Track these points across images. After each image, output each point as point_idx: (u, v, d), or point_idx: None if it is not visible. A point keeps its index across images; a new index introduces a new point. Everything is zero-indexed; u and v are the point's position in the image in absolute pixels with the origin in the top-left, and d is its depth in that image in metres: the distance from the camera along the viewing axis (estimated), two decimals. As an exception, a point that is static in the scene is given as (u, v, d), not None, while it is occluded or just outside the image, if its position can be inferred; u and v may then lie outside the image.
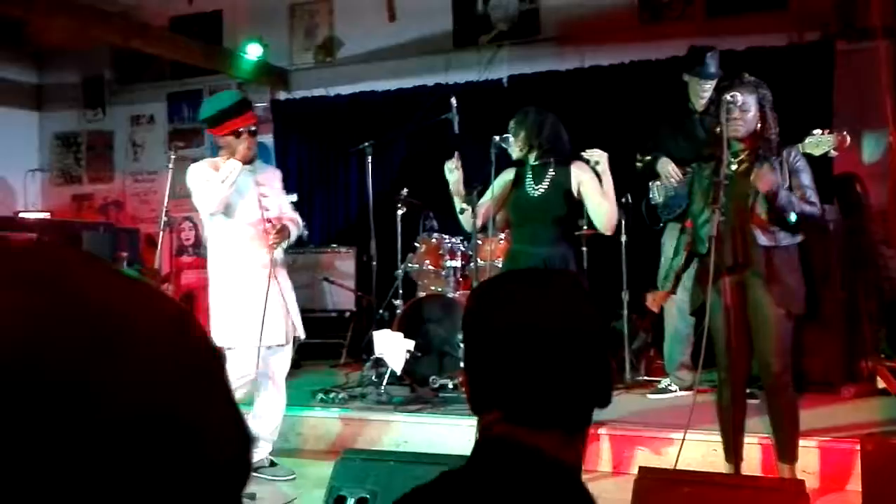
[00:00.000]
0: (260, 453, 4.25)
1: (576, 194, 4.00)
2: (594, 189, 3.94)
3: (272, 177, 4.46)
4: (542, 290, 1.19)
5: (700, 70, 4.99)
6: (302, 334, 4.40)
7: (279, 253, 4.27)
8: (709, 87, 4.98)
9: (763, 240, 3.45)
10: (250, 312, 4.10)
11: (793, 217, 3.40)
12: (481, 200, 4.06)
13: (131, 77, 8.46)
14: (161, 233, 4.33)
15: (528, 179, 4.09)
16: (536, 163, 4.07)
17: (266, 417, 4.31)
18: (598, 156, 3.92)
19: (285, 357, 4.34)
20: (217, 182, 4.04)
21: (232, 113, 4.19)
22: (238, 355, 4.08)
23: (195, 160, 7.47)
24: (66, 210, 8.76)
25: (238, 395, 4.16)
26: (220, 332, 4.10)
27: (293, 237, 4.37)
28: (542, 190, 4.03)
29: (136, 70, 8.36)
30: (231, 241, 4.19)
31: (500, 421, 1.15)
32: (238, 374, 4.06)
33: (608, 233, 4.04)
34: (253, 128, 4.24)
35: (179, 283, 7.26)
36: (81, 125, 8.87)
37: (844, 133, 3.71)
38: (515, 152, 4.09)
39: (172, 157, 4.47)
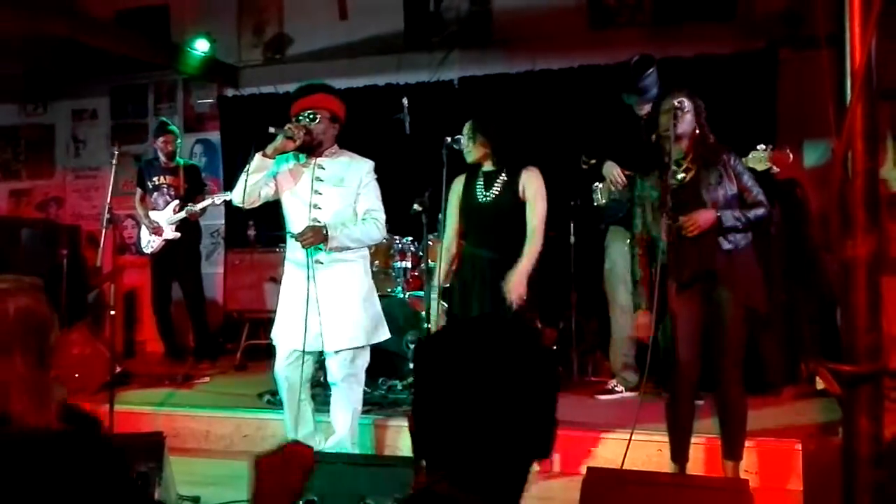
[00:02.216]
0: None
1: (521, 196, 4.05)
2: (537, 199, 4.04)
3: (349, 170, 3.98)
4: (491, 347, 1.17)
5: (638, 98, 5.02)
6: (337, 346, 3.91)
7: (326, 255, 3.86)
8: (647, 106, 5.03)
9: (726, 244, 3.51)
10: (282, 312, 4.01)
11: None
12: (448, 223, 4.08)
13: (74, 71, 8.25)
14: (104, 230, 4.23)
15: (478, 185, 4.12)
16: (490, 169, 4.10)
17: (333, 423, 4.06)
18: None
19: (341, 363, 3.95)
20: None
21: (291, 101, 4.00)
22: (277, 354, 4.02)
23: (138, 157, 7.39)
24: (2, 206, 8.51)
25: (282, 400, 4.06)
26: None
27: (344, 243, 3.85)
28: (493, 195, 4.07)
29: (78, 64, 8.15)
30: (288, 239, 4.04)
31: (443, 480, 1.15)
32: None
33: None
34: (307, 115, 3.89)
35: (122, 282, 7.11)
36: (21, 119, 8.63)
37: (787, 151, 3.84)
38: (471, 157, 4.10)
39: (116, 153, 4.37)
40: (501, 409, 1.13)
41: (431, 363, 1.19)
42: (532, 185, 4.06)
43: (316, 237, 3.78)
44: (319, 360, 4.16)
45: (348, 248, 3.91)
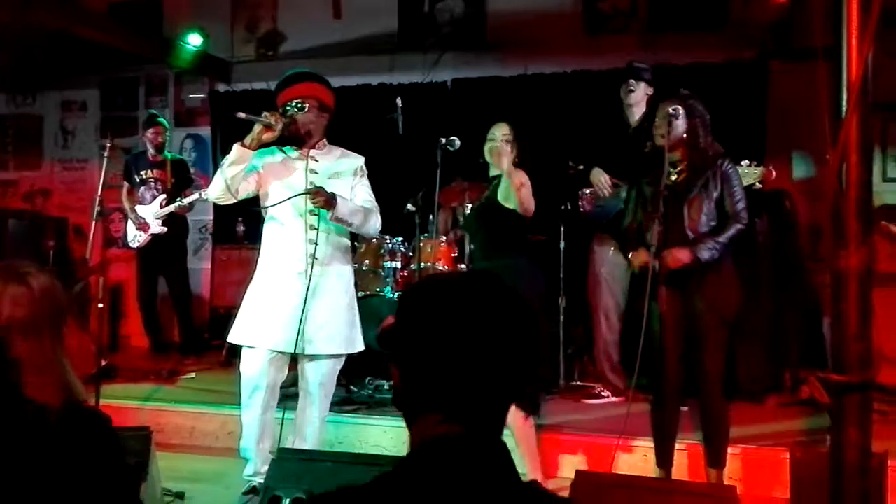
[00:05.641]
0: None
1: (503, 201, 3.85)
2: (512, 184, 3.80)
3: (343, 164, 3.86)
4: (469, 293, 1.24)
5: (631, 82, 5.04)
6: (331, 349, 3.78)
7: (322, 251, 3.72)
8: (635, 90, 5.03)
9: (704, 254, 3.52)
10: (263, 310, 3.72)
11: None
12: None
13: (64, 62, 8.19)
14: (93, 223, 4.20)
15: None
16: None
17: (300, 429, 3.86)
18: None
19: (318, 369, 3.81)
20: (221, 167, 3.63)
21: (278, 89, 3.80)
22: (244, 356, 3.73)
23: (127, 150, 7.36)
24: (-11, 196, 8.45)
25: (250, 404, 3.72)
26: (234, 327, 3.78)
27: (348, 218, 3.69)
28: (476, 204, 3.95)
29: (68, 55, 8.09)
30: (270, 233, 3.80)
31: (441, 422, 1.19)
32: (243, 379, 3.73)
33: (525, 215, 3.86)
34: (294, 104, 3.71)
35: (109, 276, 7.06)
36: (10, 109, 8.57)
37: (770, 168, 3.91)
38: (505, 163, 3.86)
39: (108, 145, 4.33)
40: (486, 354, 1.19)
41: (419, 310, 1.24)
42: (507, 180, 3.85)
43: (327, 200, 3.61)
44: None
45: (348, 225, 3.75)
